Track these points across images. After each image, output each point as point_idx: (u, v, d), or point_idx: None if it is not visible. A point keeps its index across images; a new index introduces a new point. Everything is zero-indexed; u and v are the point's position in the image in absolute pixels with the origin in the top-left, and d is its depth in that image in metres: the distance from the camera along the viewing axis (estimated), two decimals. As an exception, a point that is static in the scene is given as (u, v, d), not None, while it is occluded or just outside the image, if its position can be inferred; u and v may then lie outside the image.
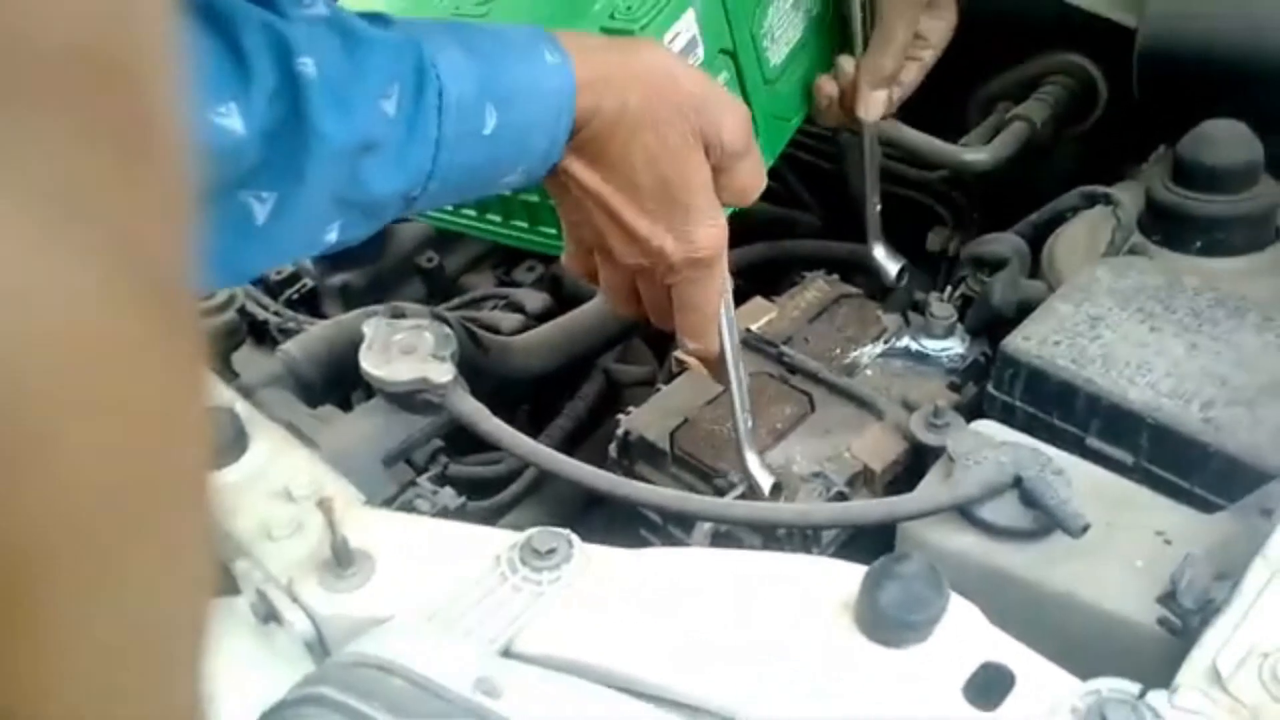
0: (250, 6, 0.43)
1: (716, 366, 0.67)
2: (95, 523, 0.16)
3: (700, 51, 0.69)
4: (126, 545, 0.17)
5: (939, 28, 0.75)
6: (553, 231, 0.68)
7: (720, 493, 0.66)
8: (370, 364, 0.66)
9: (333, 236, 0.49)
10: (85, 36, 0.16)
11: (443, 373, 0.65)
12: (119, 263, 0.17)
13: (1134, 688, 0.44)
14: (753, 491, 0.65)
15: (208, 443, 0.20)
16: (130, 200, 0.17)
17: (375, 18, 0.49)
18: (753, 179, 0.60)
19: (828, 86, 0.76)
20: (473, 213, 0.74)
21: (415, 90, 0.48)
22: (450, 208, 0.75)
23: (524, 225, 0.71)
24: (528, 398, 0.93)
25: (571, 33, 0.55)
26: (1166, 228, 0.78)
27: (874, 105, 0.75)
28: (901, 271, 0.82)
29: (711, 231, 0.59)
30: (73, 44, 0.16)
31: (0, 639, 0.15)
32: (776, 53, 0.77)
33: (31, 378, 0.15)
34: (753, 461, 0.65)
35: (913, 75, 0.75)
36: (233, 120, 0.41)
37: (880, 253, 0.83)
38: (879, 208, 0.83)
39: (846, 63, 0.75)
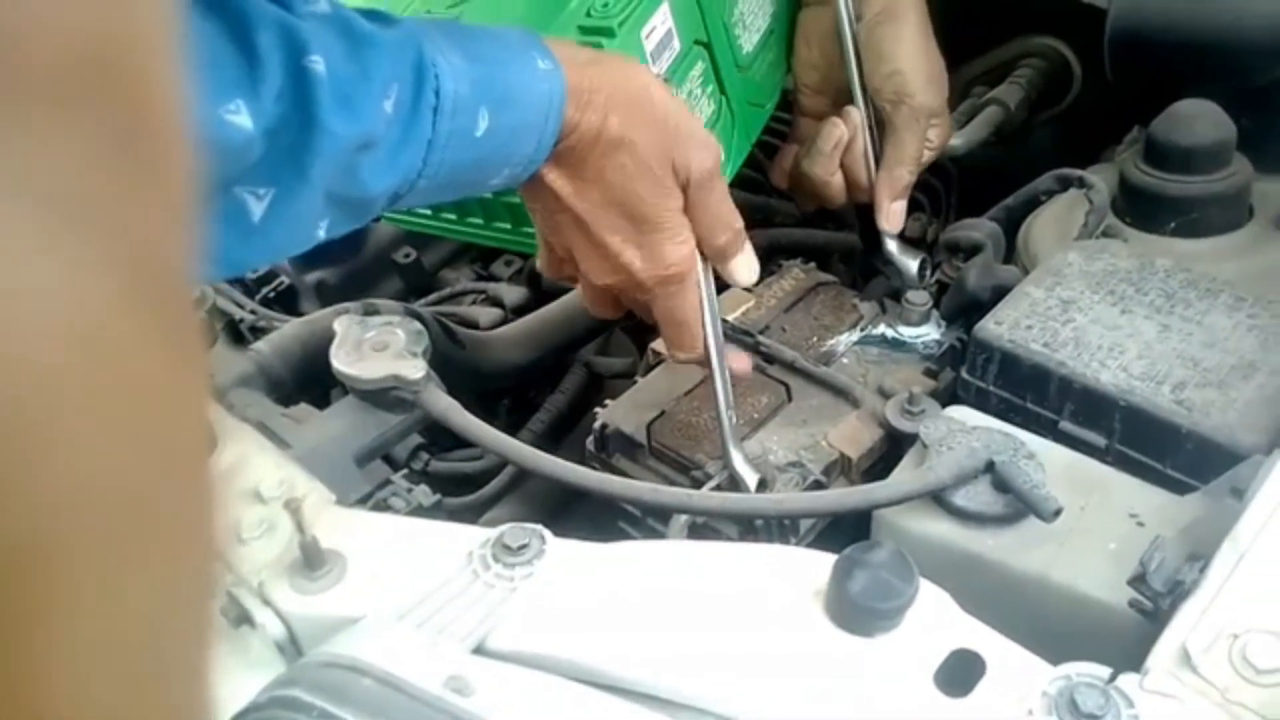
0: (264, 4, 0.44)
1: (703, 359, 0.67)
2: (99, 522, 0.16)
3: (676, 44, 0.69)
4: (131, 544, 0.17)
5: (939, 133, 0.81)
6: (534, 231, 0.67)
7: (697, 484, 0.66)
8: (341, 362, 0.65)
9: (321, 233, 0.50)
10: (87, 34, 0.16)
11: (415, 369, 0.65)
12: (121, 262, 0.16)
13: (1104, 671, 0.44)
14: (733, 484, 0.65)
15: (209, 442, 0.20)
16: (133, 199, 0.17)
17: (376, 15, 0.50)
18: (722, 210, 0.62)
19: (833, 134, 0.79)
20: (453, 216, 0.74)
21: (414, 90, 0.49)
22: (430, 211, 0.75)
23: (507, 227, 0.72)
24: (508, 391, 0.93)
25: (562, 42, 0.57)
26: (1140, 209, 0.78)
27: (894, 216, 0.80)
28: (923, 265, 0.80)
29: (680, 249, 0.60)
30: (74, 42, 0.16)
31: (3, 639, 0.15)
32: (748, 40, 0.77)
33: (34, 378, 0.15)
34: (737, 458, 0.65)
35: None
36: (241, 118, 0.42)
37: (894, 247, 0.81)
38: None
39: (853, 114, 0.79)
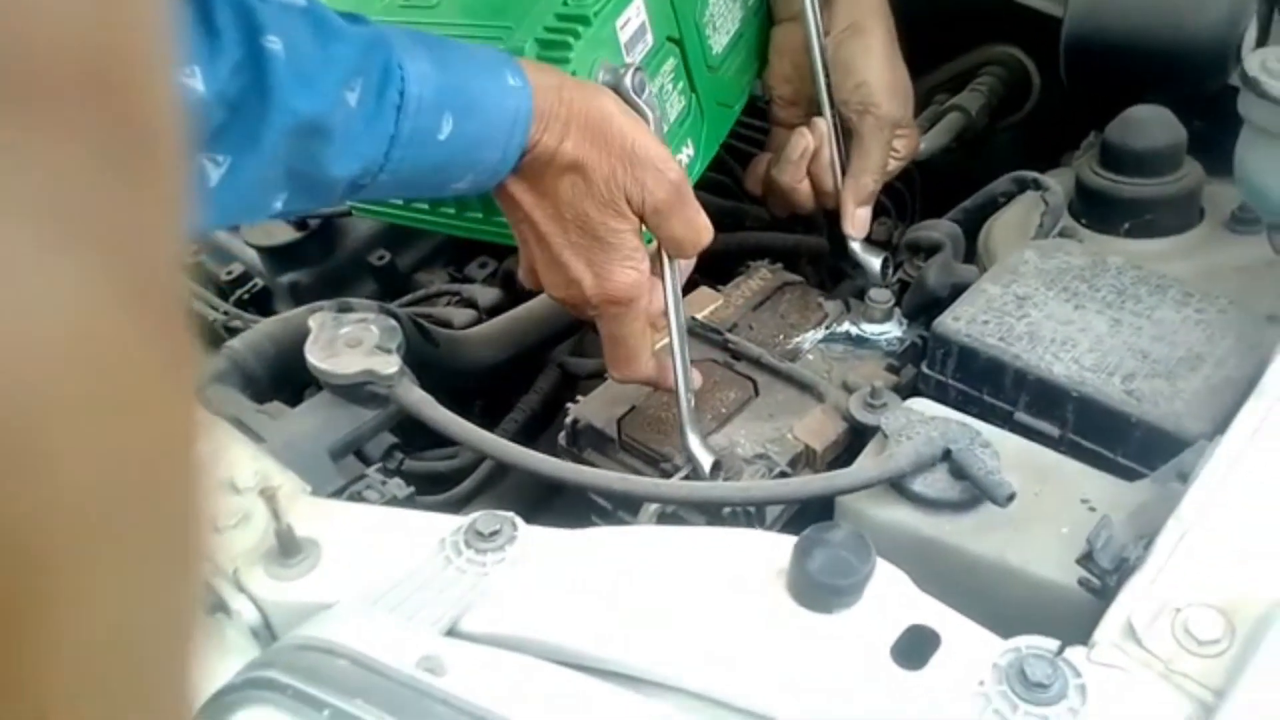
0: None
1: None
2: (95, 526, 0.17)
3: (649, 38, 0.71)
4: (125, 546, 0.18)
5: (906, 144, 0.84)
6: (506, 221, 0.69)
7: (666, 476, 0.68)
8: (316, 357, 0.66)
9: (278, 205, 0.52)
10: (87, 43, 0.16)
11: (388, 364, 0.66)
12: (118, 269, 0.17)
13: (1053, 644, 0.46)
14: (696, 473, 0.66)
15: (202, 442, 0.20)
16: (129, 206, 0.17)
17: (351, 16, 0.52)
18: (686, 234, 0.64)
19: (800, 142, 0.81)
20: (425, 206, 0.75)
21: (379, 87, 0.51)
22: (402, 203, 0.76)
23: (479, 216, 0.73)
24: (482, 391, 0.94)
25: (535, 63, 0.60)
26: (1095, 211, 0.81)
27: (860, 222, 0.83)
28: (885, 264, 0.82)
29: (628, 272, 0.63)
30: (74, 51, 0.16)
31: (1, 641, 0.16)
32: (718, 41, 0.80)
33: (32, 385, 0.15)
34: (694, 442, 0.66)
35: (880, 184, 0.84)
36: (195, 81, 0.44)
37: (858, 247, 0.83)
38: None
39: (820, 124, 0.81)
